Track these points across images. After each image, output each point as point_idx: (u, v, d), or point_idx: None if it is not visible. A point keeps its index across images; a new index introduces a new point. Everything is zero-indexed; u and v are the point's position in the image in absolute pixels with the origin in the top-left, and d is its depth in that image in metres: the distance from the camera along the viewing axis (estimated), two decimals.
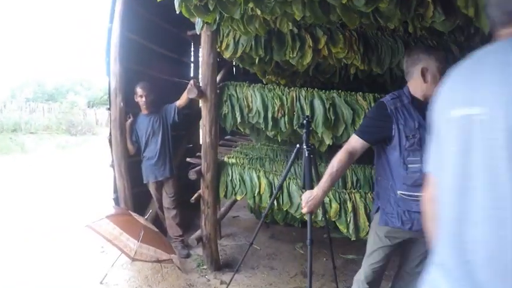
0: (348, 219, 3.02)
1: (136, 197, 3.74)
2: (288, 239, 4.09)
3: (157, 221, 3.85)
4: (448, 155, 0.91)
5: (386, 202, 2.10)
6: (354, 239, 3.01)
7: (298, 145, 2.61)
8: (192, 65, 5.70)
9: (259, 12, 2.39)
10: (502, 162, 0.77)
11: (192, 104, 4.22)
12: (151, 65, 4.26)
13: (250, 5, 2.24)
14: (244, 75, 6.62)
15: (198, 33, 3.18)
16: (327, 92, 3.08)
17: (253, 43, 3.08)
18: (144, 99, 3.58)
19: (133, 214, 3.12)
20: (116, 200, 3.73)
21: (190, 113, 4.81)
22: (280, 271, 3.46)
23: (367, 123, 2.10)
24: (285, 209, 3.17)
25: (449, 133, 0.92)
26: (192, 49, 5.69)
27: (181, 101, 3.59)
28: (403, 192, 2.01)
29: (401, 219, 2.03)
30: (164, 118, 3.67)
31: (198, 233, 3.45)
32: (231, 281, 2.84)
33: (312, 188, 2.26)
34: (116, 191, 3.73)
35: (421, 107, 1.98)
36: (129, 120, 3.61)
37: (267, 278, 3.31)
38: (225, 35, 3.14)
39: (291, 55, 3.04)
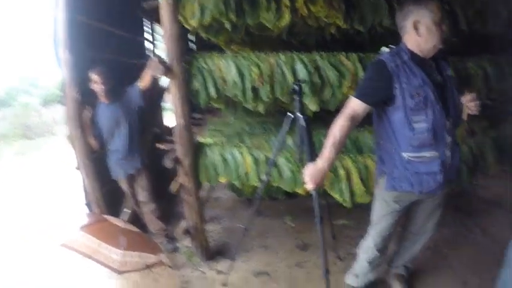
0: (343, 187, 2.89)
1: (108, 196, 3.33)
2: (275, 214, 3.93)
3: (136, 219, 3.48)
4: None
5: (392, 166, 1.99)
6: (350, 206, 2.91)
7: (291, 114, 2.37)
8: (148, 43, 5.16)
9: None
10: None
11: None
12: (105, 47, 3.72)
13: None
14: (202, 48, 6.22)
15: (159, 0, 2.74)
16: (309, 54, 2.85)
17: (222, 7, 2.72)
18: (101, 86, 3.10)
19: (109, 218, 2.72)
20: (89, 206, 3.31)
21: (151, 93, 4.34)
22: (276, 249, 3.31)
23: (368, 85, 1.93)
24: (275, 185, 2.96)
25: None
26: (147, 25, 5.12)
27: (144, 82, 3.13)
28: (410, 154, 1.90)
29: (410, 183, 1.94)
30: (128, 104, 3.23)
31: (182, 224, 3.17)
32: (229, 270, 2.63)
33: (312, 160, 2.04)
34: (87, 195, 3.31)
35: (422, 62, 1.87)
36: (86, 112, 3.11)
37: (264, 259, 3.15)
38: (188, 0, 2.74)
39: (266, 17, 2.73)
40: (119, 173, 3.30)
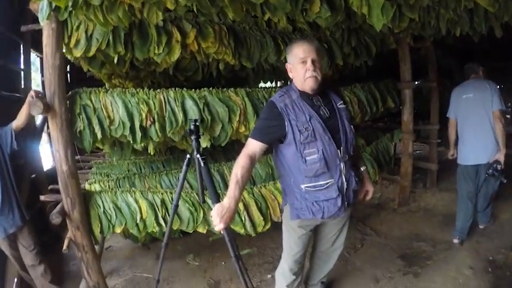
0: (243, 219, 2.91)
1: None
2: (175, 255, 3.73)
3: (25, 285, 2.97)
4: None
5: (293, 197, 2.11)
6: (254, 235, 2.95)
7: (188, 155, 2.35)
8: (22, 73, 4.34)
9: None
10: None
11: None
12: None
13: None
14: (79, 82, 5.69)
15: (41, 23, 2.39)
16: (197, 91, 2.84)
17: (110, 38, 2.54)
18: None
19: None
20: None
21: (26, 134, 3.77)
22: None
23: (261, 125, 2.06)
24: (175, 228, 2.83)
25: None
26: (22, 52, 4.34)
27: (19, 121, 2.69)
28: (306, 185, 2.03)
29: (311, 211, 2.05)
30: None
31: (82, 285, 2.80)
32: None
33: (217, 200, 2.08)
34: None
35: (309, 98, 2.04)
36: None
37: None
38: (74, 28, 2.48)
39: (156, 51, 2.65)
40: None
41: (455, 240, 3.50)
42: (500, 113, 3.23)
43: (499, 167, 3.22)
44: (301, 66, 1.99)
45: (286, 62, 2.11)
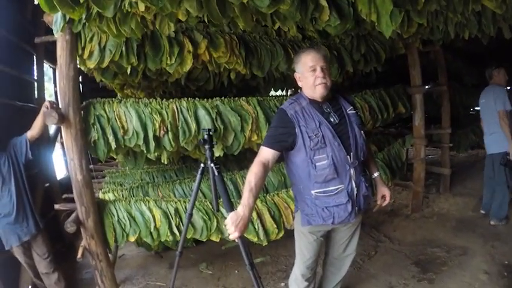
0: (256, 227, 2.92)
1: (2, 269, 2.81)
2: (189, 264, 3.74)
3: None
4: None
5: (303, 204, 2.12)
6: (266, 243, 2.95)
7: (202, 164, 2.37)
8: (35, 83, 4.34)
9: (141, 8, 1.97)
10: None
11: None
12: None
13: None
14: (92, 92, 5.77)
15: (55, 35, 2.45)
16: (210, 100, 2.87)
17: (123, 49, 2.59)
18: None
19: None
20: None
21: (40, 143, 3.81)
22: None
23: (273, 132, 2.09)
24: (189, 237, 2.85)
25: None
26: (35, 63, 4.36)
27: (33, 131, 2.75)
28: (316, 191, 2.04)
29: (322, 217, 2.07)
30: (14, 158, 2.79)
31: None
32: None
33: (231, 209, 2.08)
34: None
35: (319, 105, 2.07)
36: None
37: None
38: (88, 39, 2.54)
39: (168, 62, 2.70)
40: (11, 240, 2.79)
41: None
42: (504, 113, 3.76)
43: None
44: (310, 74, 2.02)
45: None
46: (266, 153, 2.02)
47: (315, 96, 2.06)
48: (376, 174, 2.36)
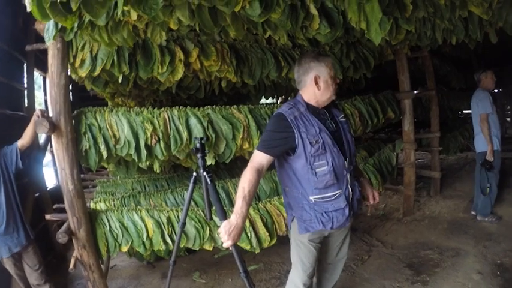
0: (249, 235, 2.91)
1: None
2: (182, 273, 3.72)
3: None
4: None
5: (301, 210, 2.10)
6: (259, 251, 2.94)
7: (194, 172, 2.37)
8: (25, 91, 4.27)
9: (134, 16, 1.96)
10: None
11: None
12: None
13: (126, 7, 1.74)
14: (82, 100, 5.71)
15: (47, 43, 2.39)
16: (201, 109, 2.87)
17: (115, 58, 2.58)
18: None
19: None
20: None
21: (30, 152, 3.76)
22: None
23: (270, 137, 2.04)
24: (182, 246, 2.84)
25: None
26: (25, 71, 4.29)
27: (24, 140, 2.71)
28: (316, 197, 2.04)
29: (321, 222, 2.06)
30: (4, 167, 2.75)
31: None
32: None
33: (224, 217, 2.07)
34: None
35: (317, 112, 2.09)
36: None
37: None
38: (79, 48, 2.52)
39: (160, 70, 2.69)
40: (0, 252, 2.76)
41: None
42: (484, 116, 4.02)
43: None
44: (331, 82, 2.06)
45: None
46: (260, 159, 1.98)
47: (319, 103, 2.08)
48: (362, 178, 2.39)
